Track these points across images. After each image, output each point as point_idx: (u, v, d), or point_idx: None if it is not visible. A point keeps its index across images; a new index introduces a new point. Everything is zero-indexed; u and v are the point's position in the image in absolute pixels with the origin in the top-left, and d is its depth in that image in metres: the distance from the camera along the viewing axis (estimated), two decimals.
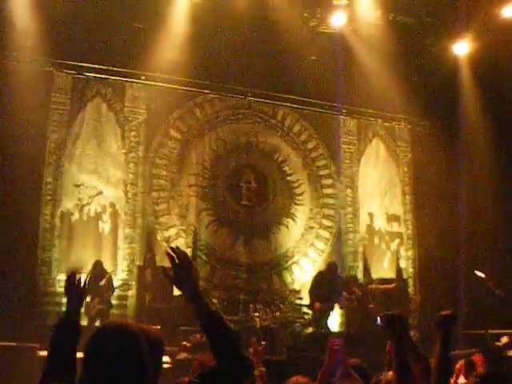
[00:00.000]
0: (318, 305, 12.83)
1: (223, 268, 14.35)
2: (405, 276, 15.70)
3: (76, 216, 13.27)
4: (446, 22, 13.56)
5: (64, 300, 10.15)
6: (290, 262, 15.05)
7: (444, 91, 15.03)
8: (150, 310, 12.50)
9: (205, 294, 2.94)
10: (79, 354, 2.71)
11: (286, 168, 15.56)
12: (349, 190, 16.10)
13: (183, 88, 14.60)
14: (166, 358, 7.73)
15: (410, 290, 15.58)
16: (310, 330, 12.91)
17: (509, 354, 10.91)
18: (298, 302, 13.38)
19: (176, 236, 14.06)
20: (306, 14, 13.38)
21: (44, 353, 9.02)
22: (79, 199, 13.33)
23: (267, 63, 14.35)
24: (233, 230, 14.65)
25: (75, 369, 2.96)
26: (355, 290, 13.44)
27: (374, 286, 14.07)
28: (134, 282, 13.22)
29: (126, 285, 13.25)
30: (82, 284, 3.31)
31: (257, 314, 12.27)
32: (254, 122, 15.45)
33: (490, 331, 11.84)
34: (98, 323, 11.48)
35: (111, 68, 13.78)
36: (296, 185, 15.60)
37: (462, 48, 14.22)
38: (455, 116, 14.89)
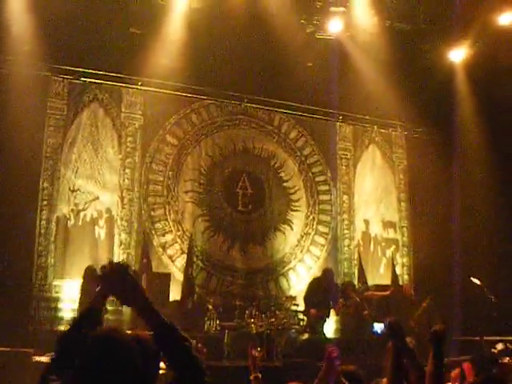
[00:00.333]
0: (313, 311, 12.80)
1: (219, 274, 14.35)
2: (400, 283, 15.70)
3: (72, 221, 13.26)
4: (443, 29, 13.60)
5: (60, 305, 10.09)
6: (286, 268, 15.06)
7: (440, 98, 15.05)
8: None
9: (154, 306, 2.90)
10: None
11: (283, 174, 15.57)
12: (345, 197, 16.13)
13: (180, 94, 14.60)
14: (160, 364, 7.69)
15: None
16: (305, 336, 12.88)
17: (504, 360, 10.92)
18: (294, 308, 13.34)
19: (172, 242, 14.06)
20: (302, 21, 13.40)
21: (39, 358, 9.02)
22: (75, 204, 13.32)
23: (264, 69, 14.38)
24: (229, 236, 14.65)
25: None
26: (353, 296, 13.42)
27: (370, 292, 14.05)
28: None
29: None
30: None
31: (252, 320, 12.26)
32: (251, 127, 15.47)
33: (485, 338, 11.87)
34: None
35: (108, 73, 13.77)
36: (292, 191, 15.61)
37: (458, 55, 14.27)
38: (451, 123, 14.91)
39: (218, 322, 12.36)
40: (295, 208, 15.53)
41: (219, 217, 14.67)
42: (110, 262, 2.93)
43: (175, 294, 13.10)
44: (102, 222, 13.53)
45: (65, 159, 13.37)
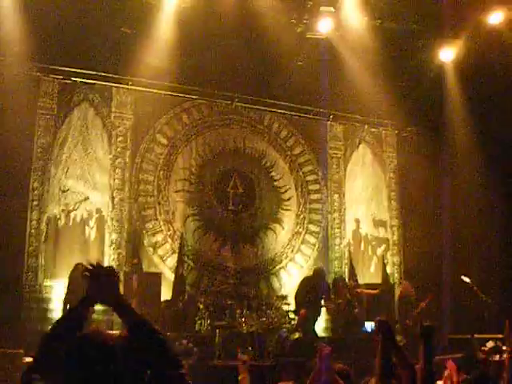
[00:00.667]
0: (303, 311, 12.84)
1: (210, 273, 14.35)
2: (391, 281, 15.75)
3: (62, 221, 13.24)
4: (433, 29, 13.62)
5: (50, 306, 10.08)
6: (277, 268, 15.07)
7: (430, 97, 15.09)
8: None
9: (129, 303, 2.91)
10: None
11: (273, 173, 15.58)
12: (336, 196, 16.15)
13: (170, 93, 14.59)
14: None
15: (396, 295, 15.59)
16: (296, 335, 12.91)
17: (494, 358, 10.96)
18: (285, 307, 13.36)
19: (163, 241, 14.05)
20: (293, 20, 13.38)
21: (30, 359, 9.00)
22: (66, 205, 13.29)
23: (254, 69, 14.37)
24: (220, 236, 14.66)
25: None
26: (343, 293, 13.46)
27: (359, 289, 14.08)
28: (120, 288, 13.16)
29: None
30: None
31: (243, 320, 12.27)
32: (241, 127, 15.47)
33: (475, 336, 11.92)
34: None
35: (98, 73, 13.74)
36: (283, 190, 15.62)
37: (449, 54, 14.29)
38: (441, 122, 14.97)
39: (208, 321, 12.37)
40: (286, 207, 15.54)
41: (210, 216, 14.67)
42: (98, 265, 2.95)
43: (166, 293, 13.09)
44: (92, 222, 13.51)
45: (55, 159, 13.34)
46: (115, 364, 2.48)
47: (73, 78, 13.65)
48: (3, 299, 11.43)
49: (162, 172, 14.38)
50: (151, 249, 13.91)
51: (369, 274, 15.73)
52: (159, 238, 14.08)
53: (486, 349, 11.64)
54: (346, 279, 14.85)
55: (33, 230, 12.90)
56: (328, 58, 13.72)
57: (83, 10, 12.53)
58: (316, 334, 13.19)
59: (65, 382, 2.46)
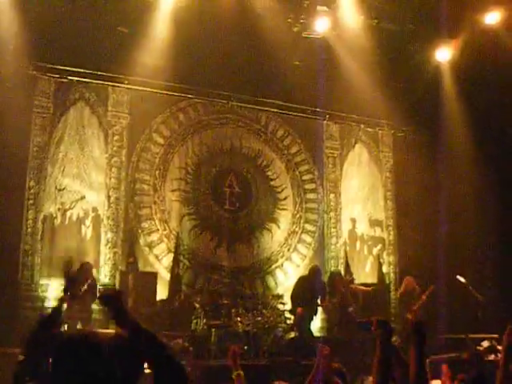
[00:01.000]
0: (300, 310, 12.85)
1: (206, 272, 14.35)
2: (387, 281, 15.78)
3: (58, 220, 13.23)
4: (429, 29, 13.63)
5: (46, 304, 10.05)
6: (273, 267, 15.08)
7: (426, 97, 15.12)
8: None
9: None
10: None
11: (270, 173, 15.59)
12: (332, 195, 16.16)
13: (167, 93, 14.58)
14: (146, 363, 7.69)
15: (392, 294, 15.63)
16: (291, 335, 12.92)
17: (489, 358, 10.99)
18: (281, 306, 13.37)
19: (158, 241, 14.05)
20: (289, 19, 13.38)
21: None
22: (62, 203, 13.28)
23: (251, 68, 14.39)
24: (216, 235, 14.65)
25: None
26: (340, 287, 13.49)
27: (354, 285, 14.09)
28: (116, 287, 13.17)
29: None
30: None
31: (239, 319, 12.27)
32: (238, 126, 15.47)
33: (470, 336, 11.93)
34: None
35: (95, 72, 13.74)
36: (279, 189, 15.63)
37: (445, 55, 14.30)
38: (438, 122, 14.98)
39: (204, 320, 12.35)
40: (282, 207, 15.55)
41: (206, 215, 14.67)
42: (106, 291, 3.07)
43: (162, 292, 13.11)
44: (88, 221, 13.51)
45: (51, 158, 13.33)
46: (108, 364, 2.49)
47: (69, 77, 13.64)
48: None
49: (158, 171, 14.38)
50: (147, 248, 13.90)
51: (364, 274, 15.75)
52: (155, 237, 14.07)
53: (481, 348, 11.67)
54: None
55: (29, 229, 12.89)
56: (324, 57, 13.72)
57: (80, 8, 12.53)
58: (312, 334, 13.21)
59: (55, 382, 2.46)
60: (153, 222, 14.11)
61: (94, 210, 13.61)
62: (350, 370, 5.26)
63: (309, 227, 15.78)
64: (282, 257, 15.23)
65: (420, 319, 3.55)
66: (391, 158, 16.98)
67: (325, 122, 16.34)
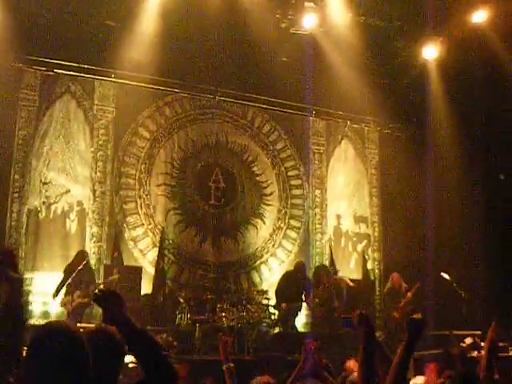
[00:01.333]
0: (284, 305, 12.88)
1: (191, 267, 14.33)
2: (371, 277, 15.83)
3: (43, 214, 13.17)
4: (417, 26, 13.66)
5: (30, 298, 9.96)
6: (258, 262, 15.09)
7: (413, 94, 15.18)
8: None
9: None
10: None
11: (255, 168, 15.59)
12: (317, 191, 16.17)
13: (153, 87, 14.54)
14: (131, 358, 7.69)
15: (377, 291, 15.67)
16: (276, 330, 12.95)
17: (472, 354, 11.05)
18: (265, 302, 13.37)
19: (143, 235, 14.03)
20: (277, 15, 13.38)
21: None
22: (46, 197, 13.23)
23: (238, 63, 14.37)
24: (201, 230, 14.64)
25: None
26: (324, 282, 13.53)
27: (338, 277, 14.15)
28: (101, 281, 13.14)
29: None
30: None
31: (224, 314, 12.26)
32: (224, 121, 15.45)
33: (454, 332, 11.99)
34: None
35: (81, 65, 13.68)
36: (265, 185, 15.63)
37: (432, 52, 14.34)
38: (423, 119, 15.01)
39: (189, 315, 12.35)
40: (267, 202, 15.56)
41: (191, 210, 14.65)
42: (102, 291, 3.06)
43: (146, 287, 13.09)
44: (73, 215, 13.46)
45: (36, 151, 13.27)
46: (75, 357, 2.48)
47: (55, 70, 13.57)
48: None
49: (143, 165, 14.35)
50: (132, 242, 13.87)
51: (349, 270, 15.76)
52: (140, 231, 14.05)
53: (464, 345, 11.73)
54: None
55: (13, 222, 12.83)
56: (312, 53, 13.71)
57: (67, 1, 12.47)
58: (296, 329, 13.25)
59: (29, 374, 2.45)
60: (138, 217, 14.08)
61: (79, 203, 13.56)
62: (334, 366, 5.28)
63: (294, 223, 15.80)
64: (266, 252, 15.24)
65: (420, 316, 3.53)
66: (377, 154, 17.02)
67: (311, 118, 16.35)
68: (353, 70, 14.07)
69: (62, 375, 2.40)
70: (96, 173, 13.80)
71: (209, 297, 12.82)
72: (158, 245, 13.80)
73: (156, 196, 14.35)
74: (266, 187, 15.62)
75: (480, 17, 13.19)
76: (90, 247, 13.43)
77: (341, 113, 16.51)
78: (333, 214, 16.24)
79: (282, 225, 15.62)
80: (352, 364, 6.78)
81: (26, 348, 2.52)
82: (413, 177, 15.69)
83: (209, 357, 10.38)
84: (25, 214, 12.96)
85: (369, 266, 15.96)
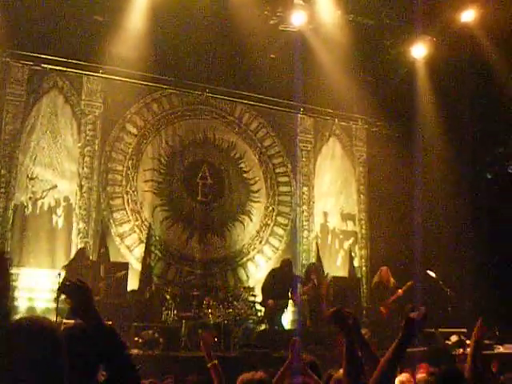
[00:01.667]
0: (270, 302, 12.88)
1: (177, 264, 14.31)
2: (358, 275, 15.87)
3: (29, 209, 13.11)
4: (405, 25, 13.69)
5: (16, 294, 9.94)
6: (244, 259, 15.08)
7: (401, 92, 15.19)
8: (102, 306, 12.41)
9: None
10: None
11: (243, 165, 15.57)
12: (305, 188, 16.18)
13: (141, 82, 14.50)
14: None
15: (363, 288, 15.70)
16: (262, 327, 12.96)
17: (458, 352, 11.12)
18: (252, 299, 13.37)
19: (130, 231, 13.99)
20: (266, 12, 13.40)
21: None
22: (33, 192, 13.17)
23: (226, 60, 14.37)
24: (188, 226, 14.62)
25: None
26: (313, 278, 13.56)
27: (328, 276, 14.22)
28: (81, 280, 13.08)
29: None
30: None
31: (210, 311, 12.26)
32: (212, 118, 15.43)
33: (440, 330, 12.05)
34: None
35: (69, 60, 13.62)
36: (252, 182, 15.62)
37: (420, 51, 14.38)
38: (412, 117, 15.04)
39: (175, 312, 12.34)
40: (255, 199, 15.55)
41: (178, 207, 14.63)
42: (71, 282, 3.01)
43: (133, 283, 13.06)
44: (59, 211, 13.40)
45: (23, 146, 13.20)
46: (58, 351, 2.46)
47: (43, 65, 13.51)
48: None
49: (130, 161, 14.31)
50: (118, 238, 13.84)
51: (335, 268, 15.79)
52: (127, 227, 14.01)
53: (449, 343, 11.80)
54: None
55: None
56: (300, 51, 13.72)
57: None
58: (283, 326, 13.25)
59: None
60: (125, 213, 14.04)
61: (66, 199, 13.51)
62: (321, 363, 5.27)
63: (281, 220, 15.80)
64: (253, 249, 15.24)
65: (421, 316, 3.51)
66: (365, 152, 17.05)
67: (299, 115, 16.35)
68: (341, 68, 14.10)
69: (33, 372, 2.37)
70: (83, 168, 13.76)
71: (195, 293, 12.81)
72: (144, 241, 13.78)
73: (143, 192, 14.32)
74: (253, 184, 15.61)
75: (468, 16, 13.28)
76: (77, 243, 13.39)
77: (329, 110, 16.53)
78: (320, 212, 16.26)
79: (269, 222, 15.62)
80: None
81: None
82: (400, 174, 15.72)
83: (195, 353, 10.36)
84: (11, 209, 12.90)
85: (355, 263, 16.01)
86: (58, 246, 13.06)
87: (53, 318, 11.52)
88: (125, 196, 14.11)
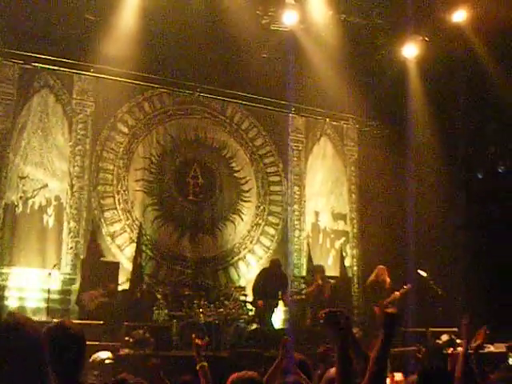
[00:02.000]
0: (260, 302, 12.89)
1: (168, 263, 14.30)
2: (349, 274, 15.89)
3: (20, 209, 13.06)
4: (397, 25, 13.72)
5: (6, 293, 9.95)
6: (235, 259, 15.08)
7: (392, 92, 15.21)
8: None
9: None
10: None
11: (234, 164, 15.57)
12: (296, 188, 16.18)
13: (132, 82, 14.48)
14: (107, 354, 7.70)
15: (354, 287, 15.73)
16: (253, 326, 12.94)
17: (448, 351, 11.14)
18: (243, 298, 13.37)
19: (121, 231, 13.97)
20: (258, 12, 13.40)
21: None
22: (24, 192, 13.13)
23: (218, 59, 14.37)
24: (179, 226, 14.60)
25: None
26: (317, 279, 13.57)
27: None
28: (78, 277, 13.09)
29: (69, 279, 13.11)
30: None
31: (201, 310, 12.25)
32: (203, 117, 15.41)
33: (430, 329, 12.07)
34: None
35: (60, 59, 13.58)
36: (243, 181, 15.62)
37: (412, 51, 14.40)
38: (403, 117, 15.07)
39: (166, 311, 12.33)
40: (246, 198, 15.55)
41: (169, 206, 14.62)
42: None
43: (124, 283, 13.05)
44: (50, 210, 13.36)
45: (14, 145, 13.15)
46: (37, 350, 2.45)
47: (34, 63, 13.46)
48: None
49: (122, 161, 14.28)
50: (109, 238, 13.81)
51: (326, 267, 15.77)
52: (118, 227, 13.99)
53: (440, 342, 11.83)
54: (305, 272, 15.03)
55: None
56: (292, 50, 13.71)
57: None
58: (273, 326, 13.26)
59: None
60: (116, 212, 14.02)
61: (57, 198, 13.47)
62: (312, 361, 5.29)
63: (272, 219, 15.80)
64: (244, 249, 15.24)
65: (395, 312, 3.51)
66: (356, 151, 17.06)
67: (290, 114, 16.35)
68: (333, 67, 14.11)
69: (13, 371, 2.36)
70: (74, 167, 13.72)
71: (186, 293, 12.83)
72: (135, 240, 13.75)
73: (134, 191, 14.29)
74: (244, 183, 15.61)
75: (460, 16, 13.30)
76: (67, 242, 13.36)
77: (320, 110, 16.53)
78: (311, 211, 16.27)
79: (260, 221, 15.62)
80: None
81: None
82: (392, 174, 15.75)
83: (186, 353, 10.35)
84: (2, 208, 12.85)
85: (347, 263, 16.02)
86: (49, 245, 13.03)
87: (43, 317, 11.57)
88: (116, 195, 14.08)
